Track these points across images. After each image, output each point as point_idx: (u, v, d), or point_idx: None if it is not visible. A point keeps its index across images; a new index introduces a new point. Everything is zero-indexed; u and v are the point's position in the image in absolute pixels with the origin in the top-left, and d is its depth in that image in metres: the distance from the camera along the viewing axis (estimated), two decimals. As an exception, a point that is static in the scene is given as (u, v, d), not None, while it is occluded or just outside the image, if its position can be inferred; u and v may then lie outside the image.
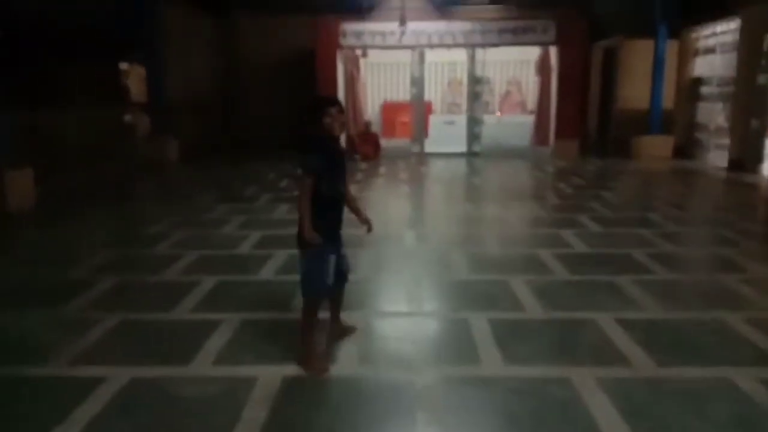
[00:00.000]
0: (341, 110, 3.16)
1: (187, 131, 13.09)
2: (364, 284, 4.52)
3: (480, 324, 3.76)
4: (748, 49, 10.05)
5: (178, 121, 12.99)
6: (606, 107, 13.93)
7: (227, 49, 14.46)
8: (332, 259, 3.18)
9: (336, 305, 3.55)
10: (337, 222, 3.25)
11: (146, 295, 4.40)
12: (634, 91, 13.20)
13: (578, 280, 4.63)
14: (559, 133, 12.93)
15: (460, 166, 11.75)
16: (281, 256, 5.27)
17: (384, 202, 8.15)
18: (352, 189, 4.45)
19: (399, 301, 4.27)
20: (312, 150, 3.10)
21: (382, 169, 10.96)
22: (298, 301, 3.52)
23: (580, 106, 12.97)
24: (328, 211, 3.15)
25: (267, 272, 4.87)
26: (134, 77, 15.28)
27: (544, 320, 3.85)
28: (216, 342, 3.55)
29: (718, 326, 3.74)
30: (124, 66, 16.75)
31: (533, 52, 14.41)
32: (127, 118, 15.03)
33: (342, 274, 3.35)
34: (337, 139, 3.23)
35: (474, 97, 13.22)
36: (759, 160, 9.92)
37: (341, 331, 3.58)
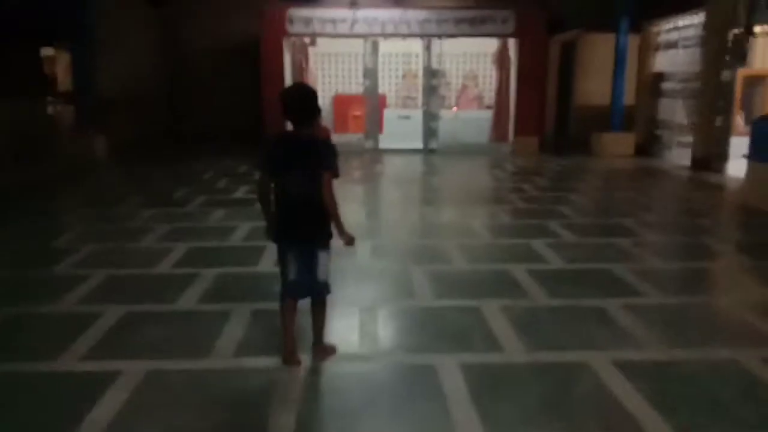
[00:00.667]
0: None
1: (120, 126, 11.87)
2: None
3: (450, 372, 3.01)
4: (712, 45, 9.68)
5: (108, 116, 11.78)
6: (564, 103, 13.47)
7: (168, 39, 13.24)
8: (290, 258, 3.05)
9: (314, 322, 3.20)
10: (293, 224, 3.02)
11: (31, 335, 3.46)
12: (593, 87, 12.79)
13: (561, 306, 3.95)
14: (519, 130, 12.37)
15: (417, 164, 11.03)
16: (209, 276, 4.39)
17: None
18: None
19: (349, 338, 3.47)
20: (264, 148, 3.17)
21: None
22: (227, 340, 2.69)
23: (539, 102, 12.44)
24: (283, 210, 3.06)
25: (188, 300, 3.99)
26: (63, 65, 13.83)
27: (529, 364, 3.12)
28: (107, 408, 2.66)
29: (735, 370, 3.10)
30: (49, 52, 15.26)
31: (491, 45, 13.77)
32: (50, 110, 13.66)
33: (311, 287, 3.07)
34: (307, 141, 2.99)
35: (430, 90, 12.50)
36: (724, 158, 9.59)
37: (320, 352, 3.19)
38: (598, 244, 5.52)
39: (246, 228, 5.84)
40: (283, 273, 3.08)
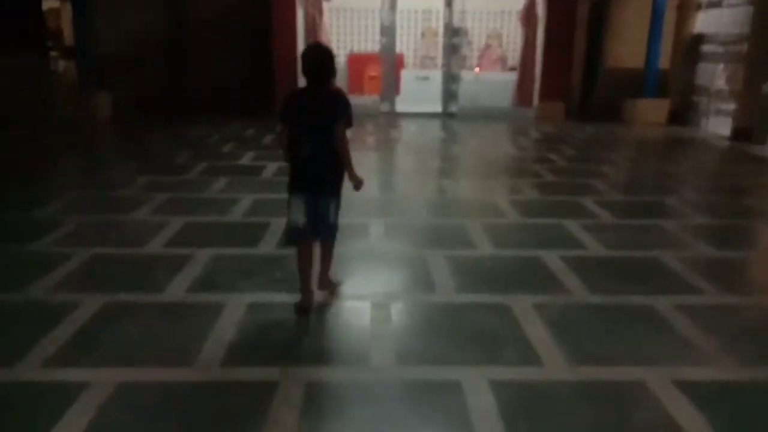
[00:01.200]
0: None
1: (124, 86, 11.29)
2: (303, 323, 3.22)
3: (479, 390, 2.51)
4: (764, 3, 8.81)
5: (110, 73, 11.20)
6: (592, 66, 12.58)
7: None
8: (296, 204, 3.19)
9: (323, 257, 3.43)
10: (305, 177, 3.19)
11: (-11, 331, 3.00)
12: (623, 49, 11.91)
13: (604, 304, 3.41)
14: (545, 94, 11.61)
15: (436, 129, 10.39)
16: (203, 258, 3.90)
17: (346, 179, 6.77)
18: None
19: (357, 341, 2.97)
20: (285, 100, 3.25)
21: (348, 133, 9.50)
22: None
23: (567, 64, 11.63)
24: (296, 164, 3.21)
25: (177, 288, 3.51)
26: (69, 18, 13.16)
27: (572, 384, 2.61)
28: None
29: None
30: (54, 4, 14.55)
31: (517, 1, 12.93)
32: (54, 66, 13.09)
33: (321, 226, 3.24)
34: (322, 94, 3.18)
35: (451, 50, 11.74)
36: (768, 129, 8.84)
37: (324, 286, 3.44)
38: (640, 226, 4.94)
39: (248, 201, 5.33)
40: (292, 218, 3.20)
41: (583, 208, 5.37)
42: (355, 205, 4.61)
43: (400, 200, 5.85)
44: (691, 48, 10.92)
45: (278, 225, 4.32)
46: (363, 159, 7.25)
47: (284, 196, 3.30)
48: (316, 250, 3.37)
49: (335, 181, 3.25)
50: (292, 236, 3.25)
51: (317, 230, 3.24)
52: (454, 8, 11.48)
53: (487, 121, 11.12)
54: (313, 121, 3.12)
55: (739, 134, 9.19)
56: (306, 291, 3.22)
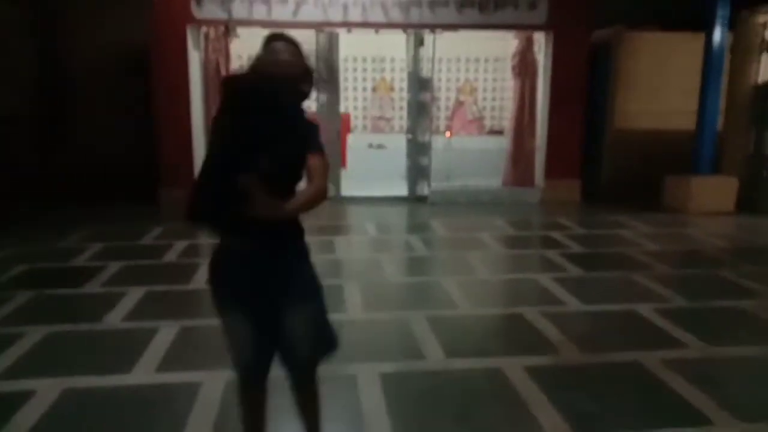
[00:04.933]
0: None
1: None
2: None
3: None
4: None
5: None
6: (594, 129, 9.34)
7: (45, 49, 8.38)
8: (238, 325, 1.97)
9: (303, 414, 2.14)
10: (246, 266, 1.93)
11: None
12: (635, 106, 8.81)
13: None
14: (552, 170, 8.25)
15: (401, 230, 6.77)
16: None
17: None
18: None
19: None
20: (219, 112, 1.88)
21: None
22: None
23: (580, 128, 8.35)
24: (233, 231, 1.92)
25: None
26: None
27: None
28: None
29: None
30: None
31: (497, 46, 9.73)
32: None
33: (290, 350, 2.01)
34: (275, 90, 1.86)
35: (418, 110, 8.28)
36: None
37: None
38: None
39: None
40: (235, 346, 2.01)
41: None
42: None
43: None
44: (755, 103, 7.81)
45: None
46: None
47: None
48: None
49: (304, 268, 2.00)
50: (239, 368, 2.04)
51: (287, 364, 2.04)
52: (421, 52, 8.08)
53: (474, 210, 7.62)
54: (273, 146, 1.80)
55: None
56: None
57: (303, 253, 2.02)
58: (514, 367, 3.22)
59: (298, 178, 1.93)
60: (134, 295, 4.24)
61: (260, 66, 1.93)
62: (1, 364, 3.19)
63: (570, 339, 3.62)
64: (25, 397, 2.78)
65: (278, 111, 1.86)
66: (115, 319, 3.85)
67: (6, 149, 7.40)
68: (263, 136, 1.79)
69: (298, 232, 2.00)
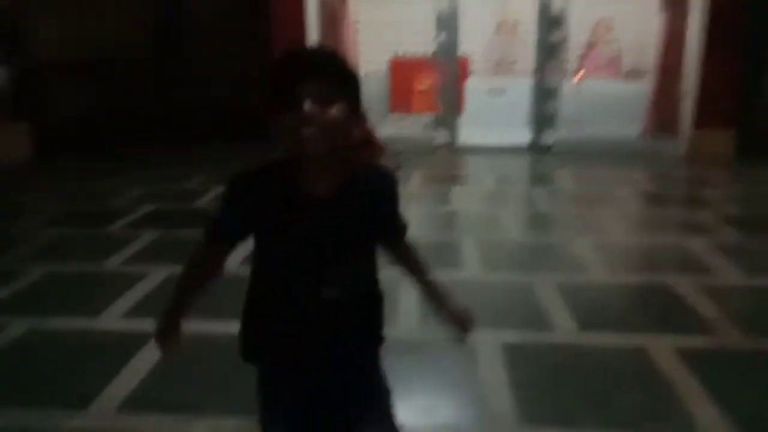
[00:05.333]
0: (325, 99, 1.13)
1: (60, 106, 7.78)
2: None
3: None
4: None
5: (43, 93, 7.70)
6: (753, 73, 7.86)
7: None
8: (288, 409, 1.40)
9: None
10: (311, 355, 1.35)
11: None
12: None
13: None
14: (701, 117, 7.24)
15: (523, 182, 6.28)
16: None
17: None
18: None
19: None
20: (226, 195, 1.30)
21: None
22: None
23: (738, 69, 7.20)
24: (283, 319, 1.34)
25: None
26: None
27: None
28: None
29: None
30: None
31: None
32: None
33: None
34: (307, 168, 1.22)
35: (548, 52, 7.55)
36: None
37: None
38: None
39: None
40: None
41: None
42: None
43: None
44: None
45: None
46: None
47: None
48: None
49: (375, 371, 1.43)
50: None
51: None
52: (552, -16, 7.30)
53: (606, 162, 6.90)
54: (334, 234, 1.26)
55: None
56: None
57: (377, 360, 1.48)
58: (662, 348, 2.76)
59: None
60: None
61: (287, 144, 1.20)
62: (123, 305, 3.25)
63: (730, 318, 3.07)
64: (144, 338, 2.78)
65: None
66: (233, 263, 3.81)
67: (130, 90, 7.80)
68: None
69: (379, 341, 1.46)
